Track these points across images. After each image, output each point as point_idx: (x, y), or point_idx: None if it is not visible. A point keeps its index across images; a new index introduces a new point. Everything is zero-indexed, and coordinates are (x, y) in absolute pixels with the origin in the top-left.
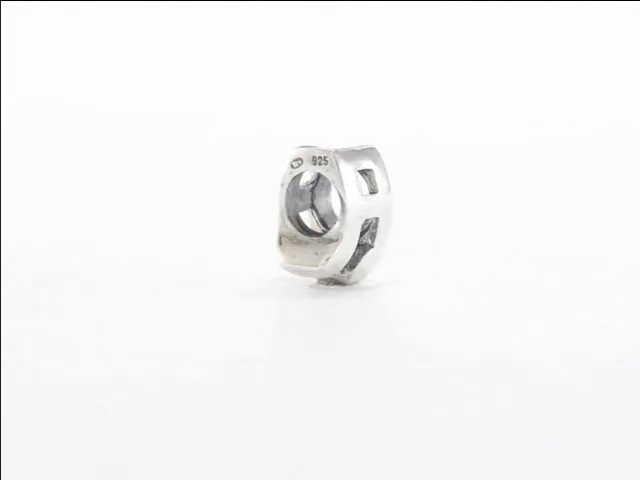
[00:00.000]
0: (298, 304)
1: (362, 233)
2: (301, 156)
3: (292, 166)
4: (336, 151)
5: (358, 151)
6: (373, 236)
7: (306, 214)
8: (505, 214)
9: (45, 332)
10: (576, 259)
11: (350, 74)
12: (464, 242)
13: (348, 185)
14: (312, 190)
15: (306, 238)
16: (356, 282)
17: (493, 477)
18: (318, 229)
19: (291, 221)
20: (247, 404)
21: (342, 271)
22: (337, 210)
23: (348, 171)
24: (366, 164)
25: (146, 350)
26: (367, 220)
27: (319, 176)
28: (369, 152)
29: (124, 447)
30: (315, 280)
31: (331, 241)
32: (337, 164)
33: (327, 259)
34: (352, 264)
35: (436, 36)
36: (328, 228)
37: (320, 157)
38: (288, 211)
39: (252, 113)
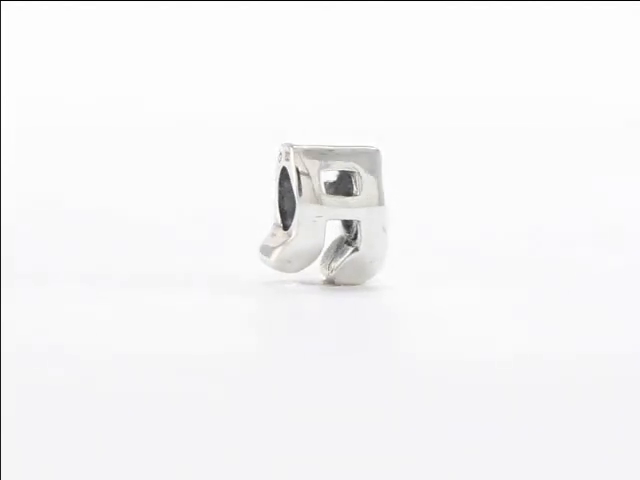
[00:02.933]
0: (293, 303)
1: (356, 235)
2: (281, 151)
3: (278, 160)
4: (301, 148)
5: (336, 151)
6: (362, 240)
7: None
8: (507, 214)
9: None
10: (577, 259)
11: (361, 73)
12: (465, 242)
13: (299, 182)
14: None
15: (280, 231)
16: (356, 283)
17: (493, 477)
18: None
19: (281, 215)
20: (244, 403)
21: (329, 269)
22: None
23: (307, 169)
24: (345, 165)
25: (146, 348)
26: (353, 222)
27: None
28: (359, 153)
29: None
30: (323, 278)
31: (288, 236)
32: (293, 160)
33: (274, 253)
34: (337, 264)
35: (436, 35)
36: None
37: (286, 152)
38: (279, 205)
39: (256, 113)
